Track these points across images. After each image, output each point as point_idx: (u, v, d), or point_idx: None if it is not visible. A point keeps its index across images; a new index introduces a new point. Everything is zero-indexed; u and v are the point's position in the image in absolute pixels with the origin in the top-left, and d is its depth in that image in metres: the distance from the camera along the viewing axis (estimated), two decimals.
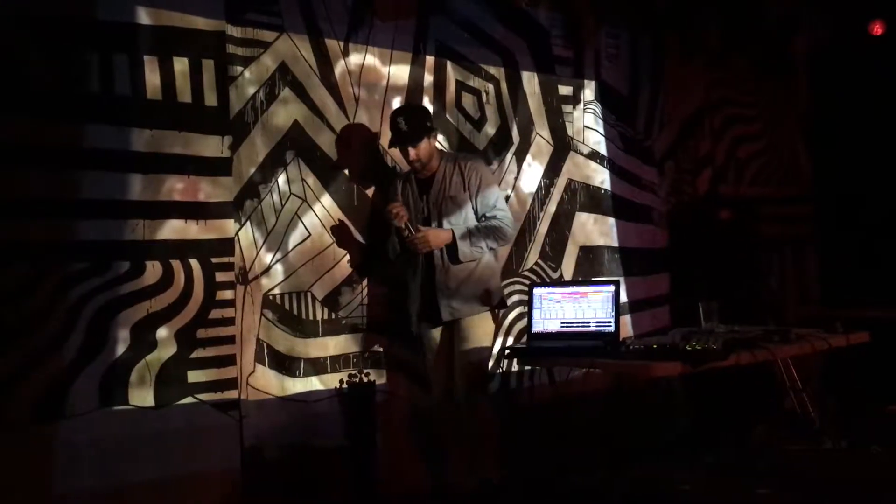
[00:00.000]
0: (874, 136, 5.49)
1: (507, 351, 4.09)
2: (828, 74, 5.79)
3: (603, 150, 4.84)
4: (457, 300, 3.61)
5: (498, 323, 3.96)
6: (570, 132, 4.69)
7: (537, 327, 3.72)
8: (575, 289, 3.75)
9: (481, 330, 3.67)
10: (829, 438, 4.33)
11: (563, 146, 4.65)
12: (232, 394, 3.38)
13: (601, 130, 4.84)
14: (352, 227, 3.79)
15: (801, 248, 5.82)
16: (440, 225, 3.61)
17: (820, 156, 5.91)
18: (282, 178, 3.61)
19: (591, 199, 4.77)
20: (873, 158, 5.50)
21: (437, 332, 3.70)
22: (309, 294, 3.66)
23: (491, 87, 4.35)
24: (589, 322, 3.64)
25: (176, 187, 3.30)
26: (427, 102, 4.06)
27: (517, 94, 4.46)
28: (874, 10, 5.46)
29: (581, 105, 4.75)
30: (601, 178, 4.82)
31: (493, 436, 3.69)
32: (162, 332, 3.23)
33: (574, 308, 3.67)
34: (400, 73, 4.01)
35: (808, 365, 4.70)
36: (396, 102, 3.94)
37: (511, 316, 4.31)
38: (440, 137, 4.01)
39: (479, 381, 3.69)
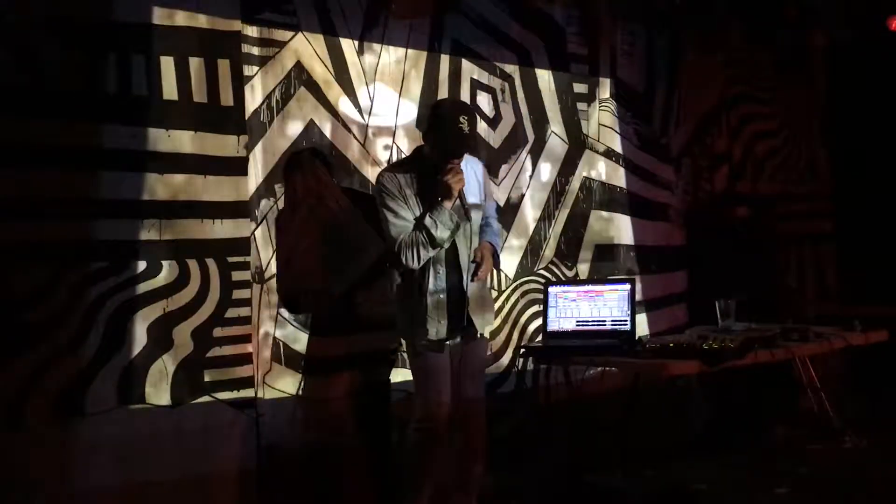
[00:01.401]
0: (892, 132, 5.44)
1: (522, 350, 4.08)
2: (846, 70, 5.75)
3: (619, 148, 4.82)
4: (486, 313, 3.22)
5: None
6: (585, 130, 4.67)
7: (553, 326, 3.71)
8: (590, 287, 3.74)
9: (484, 346, 3.34)
10: (848, 437, 4.30)
11: (578, 144, 4.63)
12: (248, 392, 3.38)
13: (617, 128, 4.82)
14: (368, 226, 3.79)
15: (819, 245, 5.78)
16: None
17: (838, 152, 5.86)
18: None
19: (607, 197, 4.75)
20: (892, 154, 5.45)
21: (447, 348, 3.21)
22: (325, 293, 3.66)
23: (506, 85, 4.34)
24: (605, 321, 3.63)
25: (192, 187, 3.30)
26: None
27: (532, 92, 4.45)
28: (893, 6, 5.41)
29: (597, 102, 4.73)
30: (617, 175, 4.80)
31: (483, 453, 3.31)
32: (178, 331, 3.24)
33: (590, 307, 3.66)
34: (415, 71, 4.00)
35: (827, 363, 4.66)
36: (411, 102, 3.94)
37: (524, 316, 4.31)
38: None
39: (478, 401, 3.27)
